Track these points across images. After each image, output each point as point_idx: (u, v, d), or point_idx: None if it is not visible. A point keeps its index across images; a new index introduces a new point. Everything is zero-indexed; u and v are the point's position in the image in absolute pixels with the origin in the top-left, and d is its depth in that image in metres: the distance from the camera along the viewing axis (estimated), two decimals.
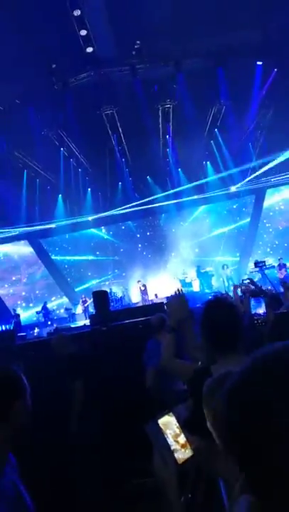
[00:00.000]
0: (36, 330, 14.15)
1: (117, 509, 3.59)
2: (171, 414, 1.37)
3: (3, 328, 13.94)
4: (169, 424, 1.34)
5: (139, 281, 17.42)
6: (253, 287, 4.74)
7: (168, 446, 1.30)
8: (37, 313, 17.14)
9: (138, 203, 18.13)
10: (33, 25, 11.32)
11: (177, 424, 1.35)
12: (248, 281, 4.72)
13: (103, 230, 20.63)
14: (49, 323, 15.93)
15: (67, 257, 20.38)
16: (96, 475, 3.68)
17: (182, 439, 1.33)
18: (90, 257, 20.21)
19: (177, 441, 1.32)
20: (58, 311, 18.19)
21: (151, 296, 16.74)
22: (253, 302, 2.64)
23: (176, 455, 1.30)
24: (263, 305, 2.60)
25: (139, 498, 3.87)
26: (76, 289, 19.59)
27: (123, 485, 3.97)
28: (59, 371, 4.17)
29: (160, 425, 1.33)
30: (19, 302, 19.32)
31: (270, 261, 14.77)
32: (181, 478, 1.32)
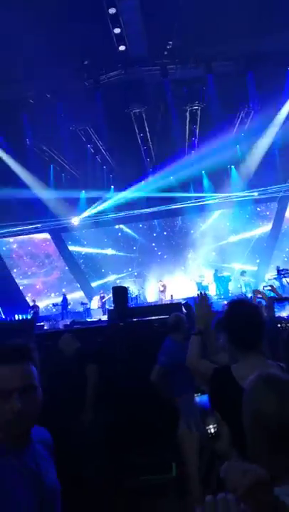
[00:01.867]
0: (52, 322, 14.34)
1: (121, 505, 3.64)
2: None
3: (22, 317, 14.20)
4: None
5: (160, 281, 17.46)
6: (272, 294, 4.72)
7: (197, 416, 1.44)
8: (53, 305, 17.36)
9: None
10: (68, 21, 11.46)
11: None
12: (269, 287, 4.70)
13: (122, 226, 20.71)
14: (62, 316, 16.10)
15: (85, 249, 20.45)
16: (104, 469, 3.73)
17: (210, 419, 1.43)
18: (108, 251, 20.27)
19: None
20: (72, 305, 18.34)
21: (167, 297, 16.76)
22: (276, 306, 2.65)
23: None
24: (287, 308, 2.61)
25: (143, 495, 3.92)
26: (92, 284, 19.74)
27: (129, 481, 4.02)
28: (74, 361, 4.25)
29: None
30: (38, 292, 19.58)
31: None
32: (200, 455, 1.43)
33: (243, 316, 2.00)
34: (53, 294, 19.47)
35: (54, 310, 17.47)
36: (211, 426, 1.48)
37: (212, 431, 1.47)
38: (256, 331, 1.98)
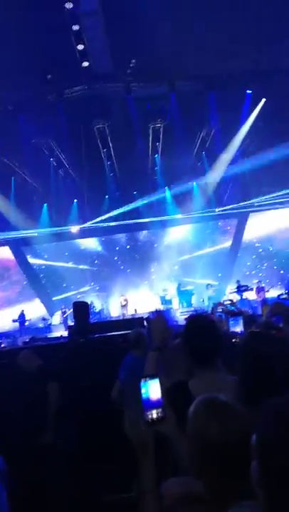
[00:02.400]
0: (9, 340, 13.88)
1: None
2: (156, 380, 1.55)
3: None
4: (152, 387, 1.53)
5: (122, 295, 17.40)
6: (232, 308, 4.83)
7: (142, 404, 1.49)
8: (13, 321, 16.82)
9: (121, 220, 18.22)
10: (32, 36, 11.45)
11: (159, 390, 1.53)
12: (228, 302, 4.82)
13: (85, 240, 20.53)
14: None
15: (45, 262, 20.07)
16: (70, 488, 3.63)
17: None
18: (70, 265, 20.01)
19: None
20: (32, 321, 17.83)
21: (130, 311, 16.71)
22: (231, 321, 2.71)
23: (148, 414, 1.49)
24: (241, 324, 2.67)
25: None
26: (53, 298, 19.36)
27: (96, 500, 3.92)
28: (33, 380, 4.11)
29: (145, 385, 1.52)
30: None
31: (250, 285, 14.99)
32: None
33: (200, 331, 2.03)
34: (11, 310, 18.83)
35: (10, 327, 16.90)
36: (154, 411, 1.49)
37: (154, 416, 1.48)
38: (212, 346, 2.00)
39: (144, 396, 1.51)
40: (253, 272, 18.68)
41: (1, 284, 19.86)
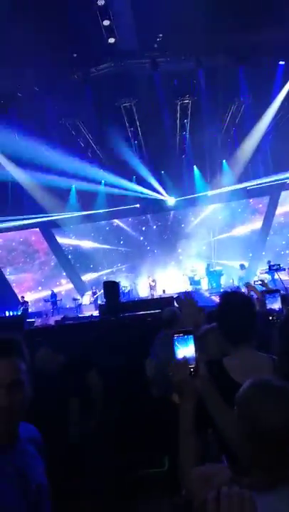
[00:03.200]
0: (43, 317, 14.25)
1: (119, 499, 3.62)
2: (191, 336, 1.53)
3: (12, 314, 14.08)
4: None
5: (149, 277, 17.45)
6: (263, 289, 4.72)
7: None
8: (44, 300, 17.24)
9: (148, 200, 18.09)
10: (57, 13, 11.31)
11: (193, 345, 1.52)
12: (259, 282, 4.71)
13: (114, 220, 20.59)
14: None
15: (73, 242, 20.27)
16: (102, 463, 3.70)
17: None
18: (97, 245, 20.12)
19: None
20: (63, 301, 18.21)
21: (159, 292, 16.76)
22: (268, 298, 2.63)
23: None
24: (279, 300, 2.59)
25: (140, 489, 3.91)
26: (82, 277, 19.63)
27: (126, 475, 4.00)
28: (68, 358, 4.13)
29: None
30: (27, 287, 19.43)
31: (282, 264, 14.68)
32: None
33: (235, 308, 1.98)
34: (42, 290, 19.28)
35: (43, 305, 17.34)
36: (189, 365, 1.49)
37: (191, 369, 1.48)
38: (248, 323, 1.95)
39: (176, 350, 1.50)
40: (288, 251, 18.22)
41: (30, 265, 20.29)
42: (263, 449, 1.12)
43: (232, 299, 2.05)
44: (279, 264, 8.75)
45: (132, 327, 5.18)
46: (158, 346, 4.07)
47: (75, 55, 13.45)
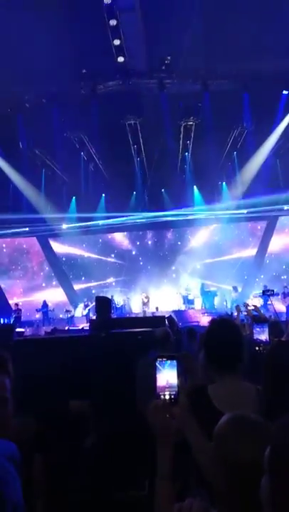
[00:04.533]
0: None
1: None
2: (174, 361, 1.47)
3: (2, 321, 13.95)
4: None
5: (142, 293, 17.43)
6: (255, 313, 4.74)
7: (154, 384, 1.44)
8: (36, 310, 17.13)
9: (148, 217, 18.21)
10: (69, 30, 11.61)
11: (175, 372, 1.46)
12: (252, 307, 4.73)
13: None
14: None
15: (68, 248, 20.20)
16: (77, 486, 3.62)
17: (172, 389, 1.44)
18: (91, 255, 20.08)
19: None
20: (55, 311, 18.06)
21: (152, 308, 16.71)
22: (257, 328, 2.65)
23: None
24: (266, 332, 2.60)
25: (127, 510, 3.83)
26: (75, 287, 19.58)
27: (107, 499, 3.92)
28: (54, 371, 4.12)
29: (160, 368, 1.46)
30: (20, 295, 19.26)
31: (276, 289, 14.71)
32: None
33: (222, 336, 1.98)
34: (33, 299, 19.08)
35: (37, 315, 17.21)
36: (166, 392, 1.42)
37: (167, 397, 1.42)
38: (234, 352, 1.95)
39: (158, 375, 1.45)
40: (284, 277, 18.27)
41: (23, 273, 20.17)
42: (237, 486, 1.10)
43: (219, 326, 2.06)
44: (273, 290, 8.77)
45: (122, 344, 5.16)
46: (148, 366, 4.06)
47: (84, 70, 13.72)
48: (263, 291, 8.28)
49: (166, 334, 4.15)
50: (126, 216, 18.39)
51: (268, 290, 8.52)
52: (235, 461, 1.12)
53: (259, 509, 0.89)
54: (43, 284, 19.99)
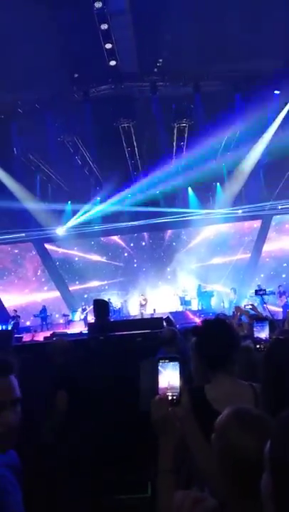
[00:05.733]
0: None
1: None
2: (176, 363, 1.48)
3: (0, 328, 13.91)
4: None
5: (142, 295, 17.43)
6: (253, 313, 4.76)
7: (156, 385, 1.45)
8: (34, 316, 17.10)
9: (143, 219, 18.23)
10: (60, 34, 11.59)
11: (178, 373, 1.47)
12: (250, 306, 4.74)
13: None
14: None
15: (62, 250, 20.18)
16: (78, 488, 3.64)
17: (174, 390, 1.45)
18: (89, 258, 20.08)
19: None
20: (53, 316, 18.04)
21: (149, 311, 16.72)
22: (256, 326, 2.66)
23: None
24: (267, 329, 2.62)
25: None
26: (70, 289, 19.54)
27: (110, 500, 3.93)
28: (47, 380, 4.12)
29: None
30: (18, 301, 19.20)
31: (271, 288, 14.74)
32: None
33: (215, 335, 1.99)
34: (31, 304, 19.04)
35: (33, 320, 17.17)
36: (169, 393, 1.44)
37: (169, 398, 1.43)
38: (227, 351, 1.96)
39: (160, 377, 1.46)
40: (284, 276, 18.33)
41: (19, 277, 20.10)
42: (239, 481, 1.11)
43: (212, 326, 2.07)
44: (265, 290, 8.80)
45: (121, 346, 5.17)
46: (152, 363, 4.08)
47: (76, 75, 13.73)
48: (256, 291, 8.32)
49: (172, 334, 4.20)
50: (121, 217, 18.42)
51: (260, 290, 8.55)
52: (236, 453, 1.13)
53: (260, 502, 0.89)
54: (41, 288, 19.95)
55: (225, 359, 1.95)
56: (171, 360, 1.49)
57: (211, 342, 1.98)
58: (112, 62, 12.97)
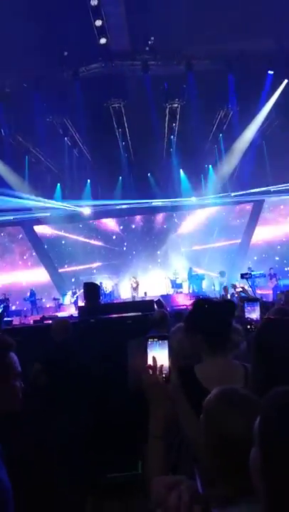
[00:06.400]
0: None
1: (90, 503, 3.59)
2: (165, 341, 1.48)
3: None
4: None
5: (133, 278, 17.42)
6: (243, 295, 4.77)
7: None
8: (24, 299, 17.03)
9: (134, 202, 18.10)
10: (49, 12, 11.26)
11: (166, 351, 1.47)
12: (240, 288, 4.76)
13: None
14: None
15: (52, 231, 20.08)
16: (72, 467, 3.67)
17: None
18: (80, 239, 19.95)
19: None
20: (43, 300, 17.95)
21: (141, 294, 16.75)
22: (247, 307, 2.65)
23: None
24: (258, 310, 2.61)
25: (113, 492, 3.88)
26: (60, 270, 19.46)
27: (101, 478, 3.98)
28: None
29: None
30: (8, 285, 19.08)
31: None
32: None
33: (209, 315, 1.97)
34: (20, 286, 18.91)
35: (24, 308, 17.11)
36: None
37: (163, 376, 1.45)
38: (221, 330, 1.94)
39: (149, 355, 1.47)
40: (277, 258, 18.44)
41: (12, 262, 19.99)
42: (227, 459, 1.13)
43: (204, 306, 2.05)
44: (251, 273, 8.89)
45: (111, 328, 5.17)
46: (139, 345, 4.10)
47: (65, 53, 13.37)
48: (241, 275, 8.38)
49: (163, 315, 4.29)
50: (112, 201, 18.27)
51: (246, 274, 8.64)
52: (224, 432, 1.15)
53: (249, 480, 0.92)
54: (29, 271, 19.82)
55: (219, 339, 1.93)
56: (160, 338, 1.48)
57: (204, 322, 1.96)
58: (103, 40, 12.62)
